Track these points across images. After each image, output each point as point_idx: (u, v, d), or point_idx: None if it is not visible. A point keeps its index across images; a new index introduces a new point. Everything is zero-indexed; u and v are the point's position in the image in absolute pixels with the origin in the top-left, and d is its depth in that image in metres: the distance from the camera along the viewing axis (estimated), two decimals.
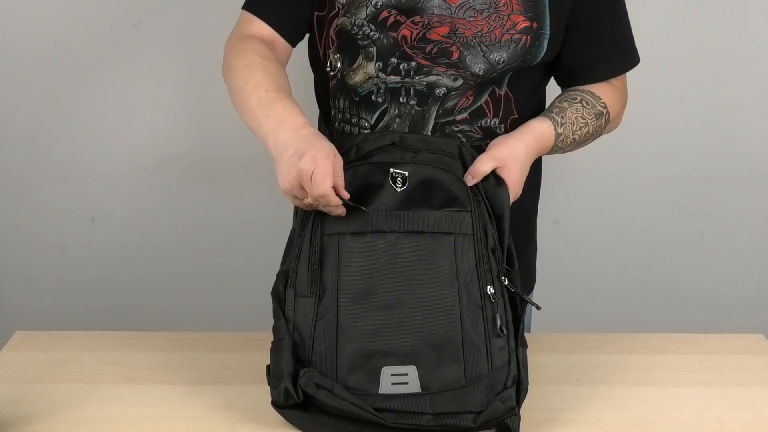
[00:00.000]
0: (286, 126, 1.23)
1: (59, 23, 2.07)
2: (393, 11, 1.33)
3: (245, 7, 1.43)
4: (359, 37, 1.35)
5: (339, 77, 1.40)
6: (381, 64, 1.36)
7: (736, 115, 2.15)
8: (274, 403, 1.16)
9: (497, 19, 1.33)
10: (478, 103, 1.38)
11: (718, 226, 2.23)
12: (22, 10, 2.06)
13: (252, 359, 1.31)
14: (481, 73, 1.35)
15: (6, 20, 2.06)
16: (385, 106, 1.38)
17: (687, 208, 2.22)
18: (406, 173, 1.23)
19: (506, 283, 1.19)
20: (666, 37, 2.08)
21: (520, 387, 1.16)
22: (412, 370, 1.14)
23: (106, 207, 2.20)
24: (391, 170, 1.23)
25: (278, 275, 1.22)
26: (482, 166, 1.25)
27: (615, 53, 1.43)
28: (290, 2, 1.41)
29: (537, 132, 1.33)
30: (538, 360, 1.36)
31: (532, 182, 1.49)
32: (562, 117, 1.35)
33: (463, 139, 1.38)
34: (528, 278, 1.59)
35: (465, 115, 1.38)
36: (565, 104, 1.38)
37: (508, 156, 1.27)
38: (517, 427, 1.15)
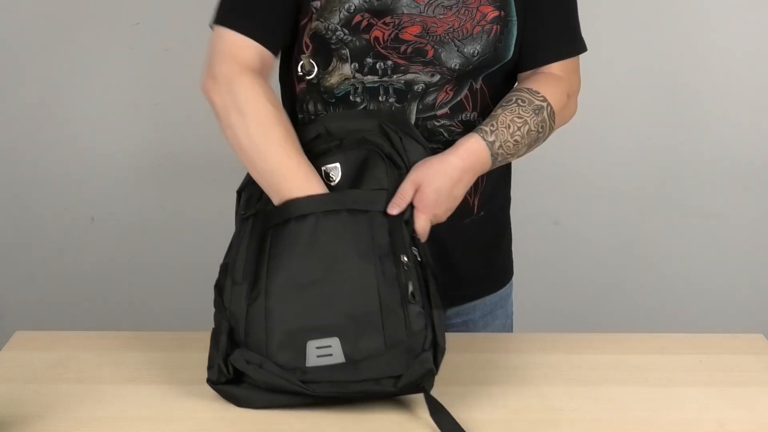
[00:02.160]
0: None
1: (59, 23, 2.07)
2: (366, 15, 1.34)
3: (219, 22, 1.34)
4: (332, 41, 1.36)
5: (313, 81, 1.40)
6: (357, 65, 1.37)
7: (737, 115, 2.15)
8: (209, 381, 1.22)
9: (467, 12, 1.35)
10: (458, 98, 1.39)
11: (717, 226, 2.23)
12: (22, 10, 2.06)
13: None
14: (457, 67, 1.36)
15: (6, 20, 2.06)
16: (363, 105, 1.39)
17: (686, 208, 2.22)
18: (338, 164, 1.28)
19: (416, 252, 1.23)
20: (664, 37, 2.08)
21: (437, 348, 1.18)
22: (335, 342, 1.18)
23: (106, 207, 2.21)
24: (323, 168, 1.28)
25: (220, 268, 1.29)
26: (403, 192, 1.26)
27: (558, 38, 1.43)
28: (271, 11, 1.37)
29: (461, 150, 1.31)
30: (537, 360, 1.36)
31: (504, 173, 1.50)
32: (491, 125, 1.33)
33: (402, 114, 1.38)
34: (504, 271, 1.59)
35: (445, 109, 1.39)
36: (499, 110, 1.36)
37: (423, 180, 1.27)
38: (431, 386, 1.18)
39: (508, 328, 1.60)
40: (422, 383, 1.18)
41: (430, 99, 1.38)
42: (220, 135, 2.16)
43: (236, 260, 1.26)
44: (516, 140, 1.35)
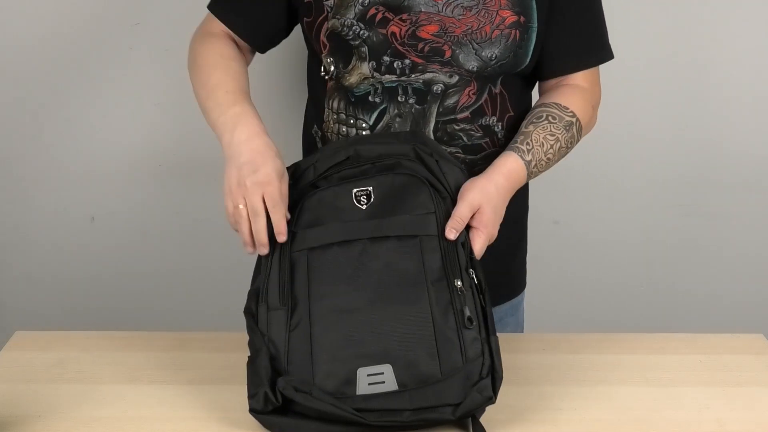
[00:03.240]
0: (243, 128, 1.27)
1: (59, 23, 2.07)
2: (381, 8, 1.34)
3: (210, 7, 1.45)
4: (350, 37, 1.35)
5: (334, 79, 1.40)
6: (374, 64, 1.36)
7: (736, 115, 2.15)
8: (252, 410, 1.17)
9: (486, 15, 1.34)
10: (480, 102, 1.39)
11: (717, 227, 2.22)
12: (21, 10, 2.06)
13: None
14: (475, 69, 1.36)
15: (6, 20, 2.06)
16: (383, 106, 1.38)
17: (686, 208, 2.22)
18: (370, 188, 1.24)
19: (473, 275, 1.21)
20: (662, 38, 2.08)
21: (495, 375, 1.16)
22: (387, 369, 1.15)
23: (106, 207, 2.20)
24: (354, 190, 1.24)
25: (249, 294, 1.23)
26: (461, 214, 1.24)
27: (585, 45, 1.43)
28: (257, 9, 1.41)
29: (505, 170, 1.32)
30: (538, 360, 1.36)
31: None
32: (527, 144, 1.34)
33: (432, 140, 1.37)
34: (518, 281, 1.59)
35: (466, 113, 1.39)
36: (531, 127, 1.37)
37: (482, 201, 1.26)
38: (482, 412, 1.16)
39: None
40: (478, 411, 1.16)
41: (450, 102, 1.38)
42: None
43: (269, 285, 1.21)
44: (549, 158, 1.37)
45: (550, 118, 1.37)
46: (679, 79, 2.12)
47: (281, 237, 1.22)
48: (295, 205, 1.25)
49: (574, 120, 1.38)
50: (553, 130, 1.36)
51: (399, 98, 1.38)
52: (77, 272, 2.25)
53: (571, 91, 1.41)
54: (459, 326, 1.17)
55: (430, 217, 1.22)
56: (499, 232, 1.47)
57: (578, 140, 1.41)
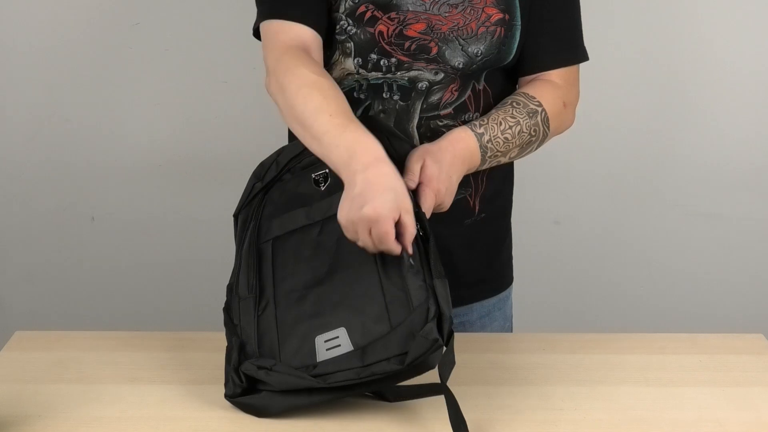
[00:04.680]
0: (359, 157, 1.19)
1: (59, 23, 2.07)
2: (370, 6, 1.36)
3: (267, 17, 1.36)
4: (337, 32, 1.37)
5: None
6: (360, 61, 1.38)
7: (736, 114, 2.15)
8: (227, 396, 1.21)
9: (472, 12, 1.36)
10: (462, 99, 1.40)
11: (717, 226, 2.23)
12: (22, 10, 2.06)
13: None
14: (460, 66, 1.38)
15: (6, 20, 2.07)
16: (368, 103, 1.40)
17: (687, 208, 2.22)
18: (327, 170, 1.28)
19: (419, 227, 1.20)
20: (664, 36, 2.08)
21: (442, 318, 1.14)
22: (342, 332, 1.18)
23: (106, 207, 2.21)
24: (312, 175, 1.30)
25: (226, 289, 1.29)
26: (412, 168, 1.26)
27: (561, 44, 1.45)
28: None
29: (451, 137, 1.33)
30: (538, 360, 1.36)
31: (505, 174, 1.50)
32: (482, 120, 1.36)
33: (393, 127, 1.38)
34: (503, 276, 1.59)
35: (449, 110, 1.40)
36: (493, 110, 1.39)
37: (425, 157, 1.28)
38: (438, 362, 1.14)
39: (507, 330, 1.60)
40: (429, 359, 1.13)
41: (434, 98, 1.39)
42: (220, 135, 2.16)
43: (239, 277, 1.27)
44: (506, 138, 1.37)
45: (514, 104, 1.39)
46: (680, 80, 2.12)
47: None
48: (262, 199, 1.32)
49: (539, 109, 1.40)
50: (514, 113, 1.38)
51: (384, 95, 1.39)
52: (78, 272, 2.25)
53: (542, 85, 1.43)
54: (404, 277, 1.18)
55: None
56: (484, 228, 1.48)
57: (545, 131, 1.41)
